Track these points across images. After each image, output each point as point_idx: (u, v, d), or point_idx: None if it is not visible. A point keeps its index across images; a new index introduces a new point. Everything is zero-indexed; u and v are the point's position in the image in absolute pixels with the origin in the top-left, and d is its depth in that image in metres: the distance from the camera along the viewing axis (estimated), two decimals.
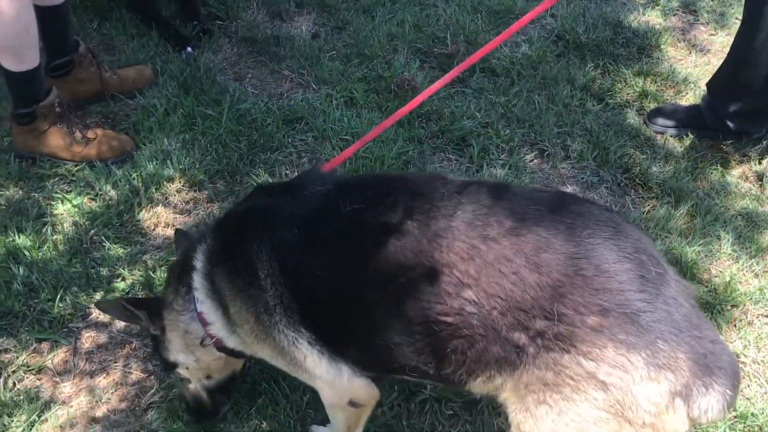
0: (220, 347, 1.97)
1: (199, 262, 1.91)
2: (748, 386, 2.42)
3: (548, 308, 1.48)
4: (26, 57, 2.76)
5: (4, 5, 2.56)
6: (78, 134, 2.98)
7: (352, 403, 1.86)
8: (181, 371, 2.07)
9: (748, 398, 2.38)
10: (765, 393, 2.41)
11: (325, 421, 2.09)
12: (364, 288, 1.65)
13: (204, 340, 1.97)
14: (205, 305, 1.92)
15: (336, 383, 1.79)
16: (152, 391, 2.28)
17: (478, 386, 1.67)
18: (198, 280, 1.91)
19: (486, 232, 1.55)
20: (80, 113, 3.14)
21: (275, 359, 1.87)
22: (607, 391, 1.47)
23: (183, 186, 2.96)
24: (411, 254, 1.58)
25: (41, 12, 2.89)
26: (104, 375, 2.34)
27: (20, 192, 2.89)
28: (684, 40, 4.11)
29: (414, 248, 1.58)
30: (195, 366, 2.05)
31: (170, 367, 2.08)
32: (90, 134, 3.01)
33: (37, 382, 2.30)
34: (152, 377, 2.33)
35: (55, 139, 2.96)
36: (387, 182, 1.86)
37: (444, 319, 1.56)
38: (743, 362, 2.49)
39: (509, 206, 1.60)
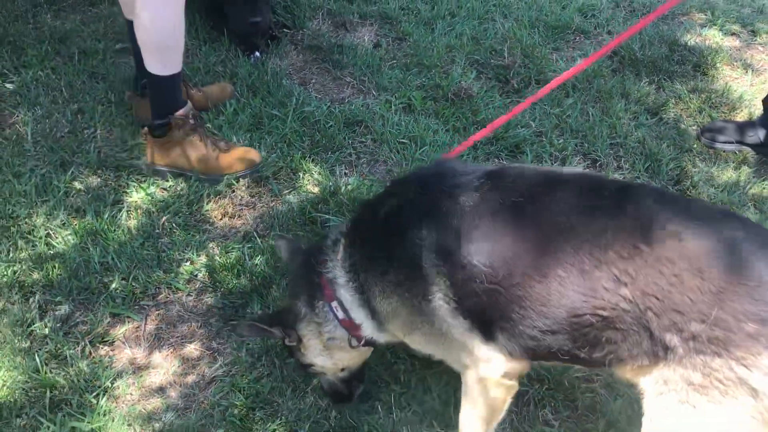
0: (367, 343, 2.13)
1: (339, 275, 2.06)
2: None
3: (706, 312, 1.54)
4: (171, 61, 2.90)
5: (160, 6, 2.74)
6: (211, 147, 3.08)
7: (506, 375, 1.90)
8: (317, 369, 2.23)
9: None
10: None
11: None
12: (522, 279, 1.72)
13: (352, 342, 2.12)
14: (352, 312, 2.06)
15: (491, 360, 1.86)
16: (216, 365, 2.43)
17: (625, 373, 1.76)
18: (342, 293, 2.06)
19: (650, 232, 1.61)
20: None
21: (429, 346, 1.98)
22: (757, 398, 1.52)
23: (248, 180, 3.11)
24: (572, 250, 1.66)
25: (130, 25, 3.08)
26: (171, 350, 2.50)
27: (98, 180, 3.10)
28: (740, 59, 4.14)
29: (574, 245, 1.67)
30: (331, 365, 2.20)
31: (305, 367, 2.24)
32: (222, 145, 3.12)
33: (111, 353, 2.47)
34: (216, 354, 2.48)
35: (189, 151, 3.06)
36: (548, 176, 1.91)
37: (599, 313, 1.64)
38: None
39: (672, 211, 1.67)
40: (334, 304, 2.08)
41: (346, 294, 2.06)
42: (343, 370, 2.24)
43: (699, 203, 1.80)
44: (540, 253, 1.70)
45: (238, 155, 3.10)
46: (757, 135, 3.37)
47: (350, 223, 2.14)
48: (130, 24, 3.14)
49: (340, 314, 2.09)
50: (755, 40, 4.32)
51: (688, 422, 1.59)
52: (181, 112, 3.05)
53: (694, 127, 3.59)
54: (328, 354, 2.19)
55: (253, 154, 3.14)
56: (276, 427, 2.23)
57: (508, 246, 1.76)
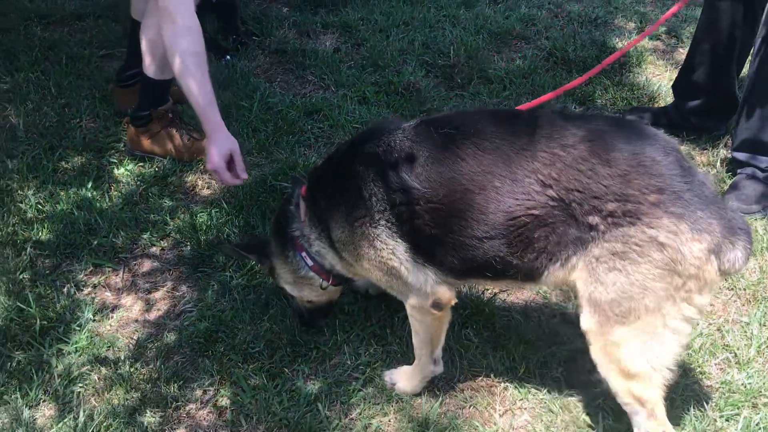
0: (337, 282, 2.48)
1: (305, 231, 2.38)
2: None
3: (618, 192, 1.88)
4: (168, 70, 3.20)
5: (184, 18, 2.93)
6: (186, 136, 3.49)
7: (436, 304, 2.22)
8: (287, 292, 2.59)
9: None
10: None
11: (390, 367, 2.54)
12: (463, 194, 2.02)
13: (322, 284, 2.48)
14: (319, 258, 2.40)
15: (423, 288, 2.20)
16: (184, 301, 2.79)
17: (554, 273, 2.04)
18: (311, 244, 2.39)
19: (564, 141, 1.98)
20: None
21: (373, 271, 2.23)
22: (663, 251, 1.87)
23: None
24: (502, 164, 1.99)
25: (134, 25, 3.48)
26: (146, 292, 2.86)
27: (83, 159, 3.48)
28: (664, 59, 4.63)
29: (504, 159, 1.99)
30: (297, 293, 2.56)
31: (280, 287, 2.60)
32: (195, 135, 3.50)
33: (93, 295, 2.83)
34: (185, 294, 2.84)
35: (167, 140, 3.47)
36: (469, 114, 2.25)
37: (532, 213, 1.97)
38: None
39: (577, 122, 2.04)
40: (304, 254, 2.44)
41: (313, 245, 2.40)
42: (309, 302, 2.60)
43: (593, 114, 2.19)
44: (476, 170, 2.02)
45: None
46: (670, 117, 3.82)
47: (308, 183, 2.45)
48: (134, 23, 3.53)
49: (310, 262, 2.44)
50: (678, 44, 4.81)
51: (619, 282, 1.92)
52: (163, 106, 3.46)
53: (618, 113, 4.03)
54: (297, 288, 2.55)
55: None
56: (235, 344, 2.59)
57: (447, 168, 2.06)
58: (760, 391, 2.51)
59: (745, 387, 2.52)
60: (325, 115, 3.87)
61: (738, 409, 2.45)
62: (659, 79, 4.39)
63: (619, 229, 1.91)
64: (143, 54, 3.30)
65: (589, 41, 4.68)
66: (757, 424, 2.38)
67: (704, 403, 2.44)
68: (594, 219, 1.92)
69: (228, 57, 4.31)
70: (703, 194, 1.91)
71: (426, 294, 2.21)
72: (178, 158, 3.49)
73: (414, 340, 2.39)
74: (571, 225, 1.96)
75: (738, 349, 2.67)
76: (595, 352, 2.07)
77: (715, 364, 2.63)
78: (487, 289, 2.84)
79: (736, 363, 2.63)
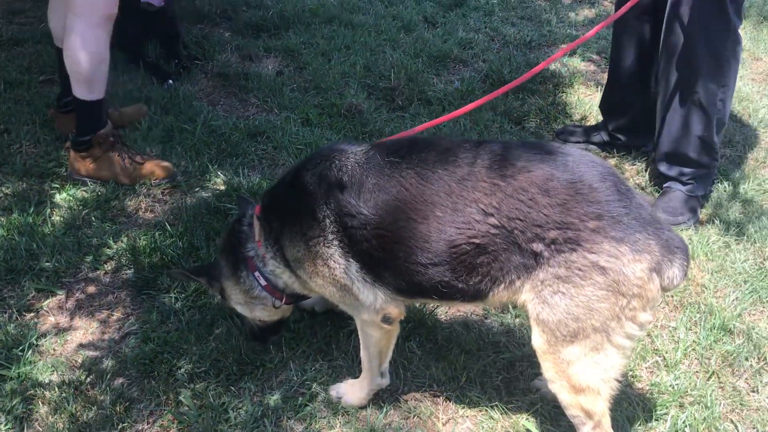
0: (288, 300, 2.53)
1: (259, 251, 2.43)
2: None
3: (558, 220, 1.97)
4: (96, 88, 3.32)
5: (88, 41, 3.18)
6: (128, 160, 3.50)
7: (386, 319, 2.29)
8: (238, 312, 2.63)
9: None
10: None
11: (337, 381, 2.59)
12: (407, 223, 2.09)
13: (275, 304, 2.52)
14: (273, 277, 2.45)
15: (374, 305, 2.27)
16: (129, 323, 2.80)
17: (499, 294, 2.11)
18: (265, 264, 2.43)
19: (503, 172, 2.07)
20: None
21: (327, 288, 2.29)
22: (605, 274, 1.95)
23: (161, 183, 3.53)
24: (444, 194, 2.06)
25: (59, 52, 3.52)
26: (90, 316, 2.86)
27: (24, 185, 3.46)
28: (594, 80, 4.85)
29: (445, 190, 2.06)
30: (248, 314, 2.59)
31: (230, 308, 2.63)
32: (138, 159, 3.52)
33: (36, 320, 2.81)
34: (130, 317, 2.85)
35: (109, 165, 3.48)
36: (416, 142, 2.31)
37: (473, 241, 2.03)
38: None
39: (516, 153, 2.11)
40: (257, 273, 2.49)
41: (268, 264, 2.45)
42: (261, 321, 2.63)
43: (533, 144, 2.26)
44: (418, 200, 2.10)
45: (152, 166, 3.52)
46: (600, 136, 4.01)
47: (261, 204, 2.50)
48: (59, 51, 3.57)
49: (263, 281, 2.49)
50: (608, 65, 5.03)
51: (564, 304, 2.01)
52: (102, 131, 3.47)
53: (550, 132, 4.21)
54: (248, 308, 2.58)
55: (167, 164, 3.56)
56: (182, 365, 2.61)
57: (392, 196, 2.14)
58: (686, 391, 2.65)
59: (672, 388, 2.66)
60: (269, 137, 3.93)
61: (666, 408, 2.58)
62: (590, 98, 4.60)
63: (561, 255, 1.99)
64: (69, 77, 3.32)
65: (524, 63, 4.87)
66: (683, 422, 2.52)
67: (635, 405, 2.56)
68: (537, 246, 2.01)
69: (170, 81, 4.34)
70: (640, 216, 2.00)
71: (376, 310, 2.28)
72: (121, 182, 3.49)
73: (362, 354, 2.45)
74: (513, 252, 2.04)
75: (666, 352, 2.82)
76: (546, 370, 2.13)
77: (646, 368, 2.77)
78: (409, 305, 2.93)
79: (664, 366, 2.77)
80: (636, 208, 2.00)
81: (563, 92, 4.63)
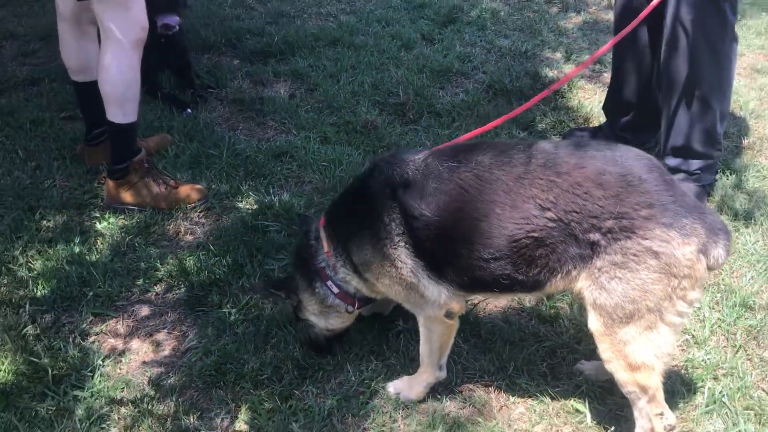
0: (359, 304, 2.70)
1: (329, 261, 2.59)
2: None
3: (613, 211, 2.12)
4: (130, 110, 3.49)
5: (122, 64, 3.37)
6: (163, 185, 3.65)
7: (448, 314, 2.46)
8: (310, 323, 2.78)
9: None
10: None
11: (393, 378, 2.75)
12: (468, 222, 2.25)
13: (348, 309, 2.69)
14: (344, 286, 2.62)
15: (438, 300, 2.43)
16: (188, 339, 2.94)
17: (556, 284, 2.26)
18: (336, 272, 2.60)
19: (557, 169, 2.19)
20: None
21: (394, 287, 2.44)
22: (658, 258, 2.11)
23: (197, 205, 3.68)
24: (502, 192, 2.22)
25: (80, 87, 3.68)
26: (148, 336, 2.99)
27: (64, 217, 3.59)
28: (592, 83, 5.08)
29: (503, 188, 2.23)
30: (323, 323, 2.76)
31: (300, 320, 2.80)
32: (172, 183, 3.67)
33: (97, 342, 2.94)
34: (186, 334, 2.98)
35: (147, 190, 3.62)
36: (472, 147, 2.46)
37: (532, 235, 2.19)
38: None
39: (568, 151, 2.28)
40: (329, 283, 2.65)
41: (339, 272, 2.62)
42: (329, 330, 2.80)
43: (581, 142, 2.39)
44: (478, 199, 2.27)
45: (187, 189, 3.67)
46: (606, 136, 4.21)
47: (326, 216, 2.68)
48: (77, 85, 3.73)
49: (335, 289, 2.66)
50: (602, 69, 5.28)
51: (621, 288, 2.17)
52: (137, 157, 3.62)
53: (557, 136, 4.41)
54: (323, 317, 2.75)
55: (200, 187, 3.72)
56: (245, 373, 2.75)
57: (452, 198, 2.31)
58: (718, 365, 2.83)
59: (705, 362, 2.84)
60: (292, 156, 4.10)
61: (702, 382, 2.76)
62: (590, 101, 4.82)
63: (618, 242, 2.16)
64: (104, 102, 3.49)
65: (522, 72, 5.09)
66: (720, 392, 2.70)
67: (674, 380, 2.74)
68: (595, 236, 2.18)
69: (189, 110, 4.50)
70: (686, 203, 2.18)
71: (440, 306, 2.45)
72: (158, 207, 3.64)
73: (422, 349, 2.61)
74: (570, 243, 2.21)
75: (694, 331, 3.00)
76: (603, 351, 2.30)
77: (678, 346, 2.95)
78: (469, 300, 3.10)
79: (694, 343, 2.95)
80: (681, 196, 2.19)
81: (563, 97, 4.84)
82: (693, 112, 3.61)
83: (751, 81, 5.22)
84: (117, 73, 3.39)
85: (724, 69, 3.56)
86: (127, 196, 3.62)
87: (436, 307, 2.45)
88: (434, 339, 2.56)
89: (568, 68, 5.30)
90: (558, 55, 5.49)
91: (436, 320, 2.50)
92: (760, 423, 2.61)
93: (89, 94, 3.71)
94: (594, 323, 2.27)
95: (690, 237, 2.13)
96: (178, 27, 4.49)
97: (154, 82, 4.66)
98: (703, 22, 3.44)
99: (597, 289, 2.21)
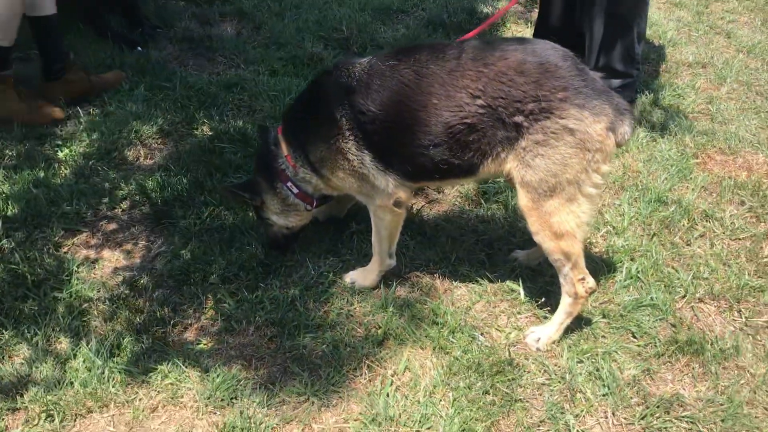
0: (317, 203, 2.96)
1: (288, 163, 2.84)
2: None
3: (534, 94, 2.41)
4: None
5: None
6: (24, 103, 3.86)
7: (396, 203, 2.74)
8: (271, 222, 3.03)
9: None
10: None
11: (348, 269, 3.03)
12: (409, 113, 2.52)
13: (306, 208, 2.94)
14: (303, 185, 2.87)
15: (387, 189, 2.70)
16: (157, 246, 3.17)
17: (488, 166, 2.55)
18: (296, 173, 2.84)
19: (485, 61, 2.47)
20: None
21: (347, 179, 2.72)
22: (574, 134, 2.41)
23: (155, 133, 3.87)
24: (438, 85, 2.49)
25: (35, 22, 3.82)
26: (118, 246, 3.20)
27: (26, 146, 3.74)
28: (524, 19, 5.40)
29: (439, 81, 2.49)
30: (282, 222, 3.01)
31: (263, 219, 3.04)
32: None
33: (70, 252, 3.14)
34: (156, 242, 3.21)
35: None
36: (410, 49, 2.70)
37: (465, 121, 2.48)
38: None
39: (493, 45, 2.55)
40: (289, 183, 2.91)
41: (298, 172, 2.86)
42: (288, 228, 3.06)
43: (506, 39, 2.65)
44: (417, 92, 2.53)
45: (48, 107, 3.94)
46: None
47: (282, 123, 2.92)
48: (31, 21, 3.90)
49: (295, 189, 2.92)
50: (534, 7, 5.59)
51: (543, 164, 2.47)
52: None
53: None
54: (283, 216, 3.01)
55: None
56: (212, 271, 3.00)
57: (394, 92, 2.54)
58: (635, 249, 3.22)
59: (623, 248, 3.22)
60: (243, 88, 4.30)
61: (621, 263, 3.14)
62: (522, 33, 5.14)
63: (538, 123, 2.46)
64: None
65: (459, 9, 5.38)
66: (636, 270, 3.08)
67: (596, 261, 3.11)
68: (519, 118, 2.47)
69: (139, 48, 4.64)
70: (596, 87, 2.49)
71: (389, 194, 2.73)
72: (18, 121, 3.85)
73: (374, 239, 2.91)
74: (498, 127, 2.50)
75: (615, 223, 3.38)
76: (532, 224, 2.60)
77: (600, 236, 3.32)
78: (415, 203, 3.41)
79: (615, 233, 3.33)
80: (591, 81, 2.50)
81: (498, 31, 5.15)
82: (613, 31, 3.95)
83: (669, 14, 5.62)
84: None
85: None
86: None
87: (385, 196, 2.74)
88: (384, 227, 2.85)
89: (502, 4, 5.59)
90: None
91: (386, 209, 2.79)
92: (668, 292, 3.01)
93: (44, 28, 3.88)
94: (522, 199, 2.58)
95: (600, 116, 2.45)
96: None
97: (104, 23, 4.77)
98: None
99: (523, 167, 2.52)
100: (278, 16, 5.18)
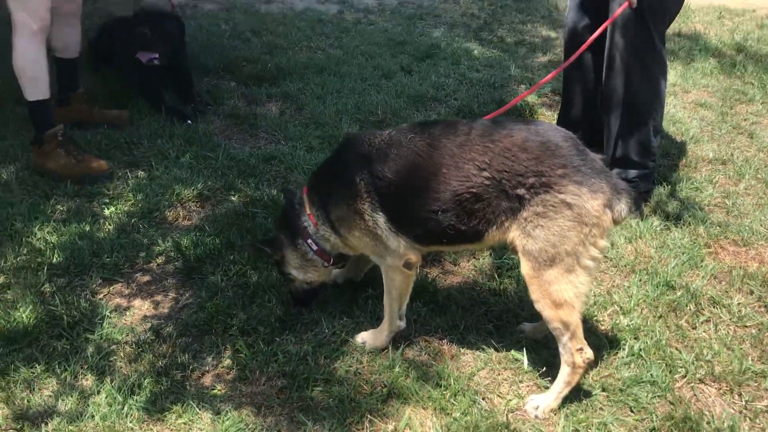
0: (334, 261, 3.17)
1: (310, 222, 3.09)
2: None
3: (535, 170, 2.60)
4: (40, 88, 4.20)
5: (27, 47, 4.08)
6: (72, 157, 4.30)
7: (407, 264, 2.91)
8: (292, 277, 3.25)
9: None
10: None
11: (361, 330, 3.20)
12: (420, 181, 2.74)
13: (324, 264, 3.17)
14: (322, 241, 3.10)
15: (398, 250, 2.91)
16: (184, 298, 3.40)
17: (492, 234, 2.72)
18: (317, 230, 3.08)
19: (492, 137, 2.69)
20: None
21: (362, 239, 2.91)
22: (572, 208, 2.58)
23: (194, 197, 4.17)
24: (448, 156, 2.72)
25: (62, 62, 4.59)
26: (150, 296, 3.44)
27: (76, 203, 4.07)
28: (550, 111, 5.67)
29: (449, 153, 2.72)
30: (302, 276, 3.23)
31: (285, 274, 3.26)
32: (81, 157, 4.32)
33: (107, 299, 3.39)
34: (184, 295, 3.44)
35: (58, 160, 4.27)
36: (426, 124, 3.00)
37: (472, 191, 2.67)
38: None
39: (502, 124, 2.80)
40: (309, 240, 3.15)
41: (319, 230, 3.10)
42: (308, 284, 3.27)
43: (513, 119, 2.93)
44: (429, 162, 2.78)
45: (94, 161, 4.36)
46: None
47: (308, 184, 3.18)
48: (58, 61, 4.73)
49: (315, 246, 3.15)
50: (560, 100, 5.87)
51: (543, 235, 2.65)
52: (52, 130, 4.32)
53: None
54: (302, 270, 3.22)
55: (104, 162, 4.40)
56: (234, 323, 3.20)
57: (409, 162, 2.82)
58: (640, 328, 3.31)
59: (629, 327, 3.32)
60: (280, 161, 4.62)
61: (625, 340, 3.24)
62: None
63: (539, 196, 2.65)
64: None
65: (489, 99, 5.69)
66: (639, 348, 3.17)
67: (601, 338, 3.21)
68: (521, 191, 2.67)
69: (189, 121, 5.04)
70: (594, 167, 2.69)
71: (400, 255, 2.93)
72: (65, 176, 4.25)
73: (385, 300, 3.08)
74: (502, 198, 2.71)
75: (622, 303, 3.49)
76: (533, 291, 2.76)
77: (607, 315, 3.43)
78: (428, 273, 3.59)
79: (621, 312, 3.44)
80: (591, 161, 2.70)
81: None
82: (629, 125, 4.18)
83: (694, 113, 5.83)
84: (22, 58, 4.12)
85: (654, 88, 4.15)
86: (45, 162, 4.29)
87: (397, 257, 2.94)
88: (394, 288, 3.03)
89: (529, 98, 5.89)
90: (523, 87, 6.10)
91: (397, 269, 2.98)
92: (669, 371, 3.09)
93: (66, 67, 4.77)
94: (524, 267, 2.75)
95: (597, 193, 2.64)
96: (158, 60, 5.07)
97: (159, 98, 5.21)
98: (636, 50, 4.03)
99: (525, 237, 2.71)
100: (320, 98, 5.56)
